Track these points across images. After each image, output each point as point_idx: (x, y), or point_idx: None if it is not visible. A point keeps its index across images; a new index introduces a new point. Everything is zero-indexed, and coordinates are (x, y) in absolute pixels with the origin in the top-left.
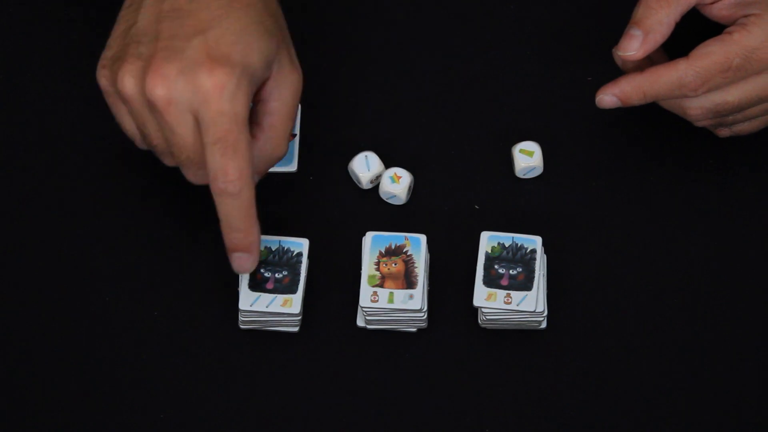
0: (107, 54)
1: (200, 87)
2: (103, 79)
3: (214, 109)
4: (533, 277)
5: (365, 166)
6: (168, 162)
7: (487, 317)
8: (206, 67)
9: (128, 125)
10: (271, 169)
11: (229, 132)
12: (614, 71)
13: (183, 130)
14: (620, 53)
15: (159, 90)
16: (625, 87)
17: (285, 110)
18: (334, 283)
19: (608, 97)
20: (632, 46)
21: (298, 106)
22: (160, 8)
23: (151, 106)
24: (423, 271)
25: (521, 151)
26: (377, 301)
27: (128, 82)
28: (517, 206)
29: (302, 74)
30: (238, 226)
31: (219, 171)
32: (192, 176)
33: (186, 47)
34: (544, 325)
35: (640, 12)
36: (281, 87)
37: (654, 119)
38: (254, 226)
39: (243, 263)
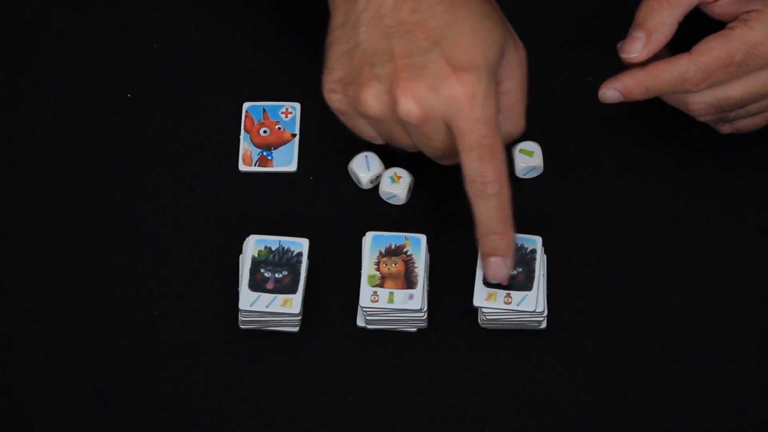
0: (334, 77)
1: (452, 99)
2: (337, 103)
3: (469, 118)
4: (533, 277)
5: (365, 166)
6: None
7: (487, 317)
8: (454, 78)
9: (369, 133)
10: (271, 169)
11: (485, 137)
12: (614, 71)
13: (437, 137)
14: (624, 56)
15: (414, 110)
16: (627, 82)
17: (518, 88)
18: (334, 283)
19: (610, 91)
20: (635, 48)
21: (527, 81)
22: (384, 24)
23: (404, 123)
24: (423, 271)
25: (521, 151)
26: (377, 301)
27: (374, 105)
28: (517, 206)
29: (524, 48)
30: (495, 228)
31: (477, 175)
32: (443, 163)
33: (426, 62)
34: (544, 325)
35: (642, 14)
36: (512, 66)
37: (654, 119)
38: (511, 229)
39: (498, 269)
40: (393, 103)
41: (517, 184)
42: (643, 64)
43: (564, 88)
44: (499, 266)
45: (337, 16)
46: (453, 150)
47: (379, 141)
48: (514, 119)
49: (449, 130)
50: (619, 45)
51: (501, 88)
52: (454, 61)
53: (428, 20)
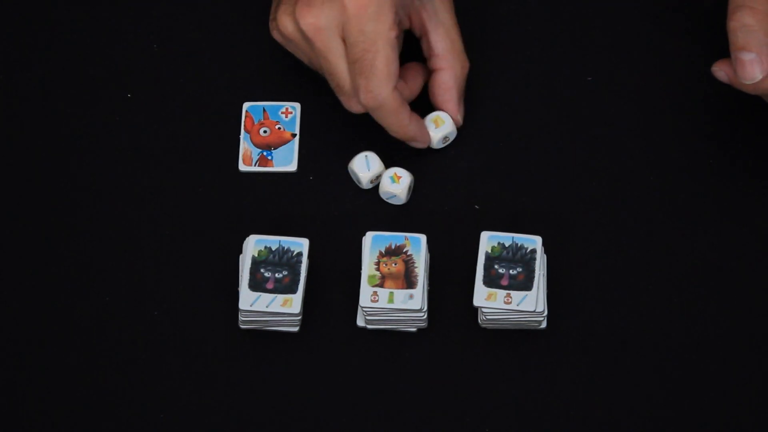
0: (271, 11)
1: (344, 8)
2: (274, 31)
3: (356, 29)
4: (533, 277)
5: (365, 166)
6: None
7: (487, 317)
8: None
9: (305, 60)
10: (271, 169)
11: (366, 51)
12: (613, 71)
13: (333, 56)
14: (747, 82)
15: (308, 18)
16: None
17: (449, 29)
18: (334, 283)
19: (721, 72)
20: (756, 71)
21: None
22: None
23: (305, 37)
24: (423, 271)
25: (433, 120)
26: (377, 301)
27: (286, 22)
28: (517, 206)
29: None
30: (395, 130)
31: (359, 88)
32: (347, 105)
33: None
34: (544, 325)
35: (740, 36)
36: (438, 11)
37: (654, 119)
38: (407, 124)
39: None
40: (294, 15)
41: (517, 184)
42: None
43: (564, 88)
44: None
45: None
46: (350, 81)
47: (316, 68)
48: (460, 57)
49: (345, 59)
50: (715, 69)
51: (434, 36)
52: None
53: None
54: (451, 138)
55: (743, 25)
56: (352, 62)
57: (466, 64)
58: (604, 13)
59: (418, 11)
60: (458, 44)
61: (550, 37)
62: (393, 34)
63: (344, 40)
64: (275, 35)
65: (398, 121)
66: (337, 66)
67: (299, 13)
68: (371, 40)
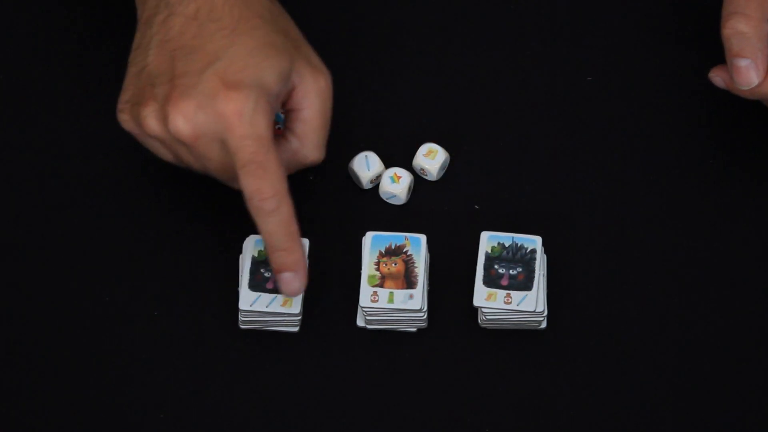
0: (124, 98)
1: (220, 115)
2: (125, 123)
3: (238, 135)
4: (533, 277)
5: (365, 166)
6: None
7: (487, 317)
8: (222, 95)
9: (165, 156)
10: None
11: (255, 153)
12: (614, 71)
13: (215, 157)
14: (744, 88)
15: (182, 127)
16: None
17: (316, 117)
18: (334, 283)
19: (718, 78)
20: (752, 77)
21: (330, 110)
22: (169, 47)
23: (181, 142)
24: (423, 271)
25: (426, 153)
26: (377, 301)
27: (152, 124)
28: (517, 206)
29: (330, 77)
30: (280, 244)
31: (254, 192)
32: (235, 187)
33: (199, 81)
34: (544, 325)
35: (734, 43)
36: (309, 95)
37: (654, 119)
38: (296, 243)
39: (290, 283)
40: (166, 121)
41: (517, 184)
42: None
43: (564, 88)
44: (292, 281)
45: (135, 39)
46: (234, 171)
47: (179, 164)
48: (310, 148)
49: (226, 150)
50: (712, 75)
51: (300, 115)
52: (226, 81)
53: (207, 44)
54: (447, 165)
55: (737, 32)
56: (242, 167)
57: (313, 158)
58: (604, 13)
59: (290, 95)
60: (318, 135)
61: (550, 37)
62: (271, 132)
63: (223, 144)
64: (131, 128)
65: (291, 231)
66: (221, 164)
67: (173, 121)
68: (257, 143)
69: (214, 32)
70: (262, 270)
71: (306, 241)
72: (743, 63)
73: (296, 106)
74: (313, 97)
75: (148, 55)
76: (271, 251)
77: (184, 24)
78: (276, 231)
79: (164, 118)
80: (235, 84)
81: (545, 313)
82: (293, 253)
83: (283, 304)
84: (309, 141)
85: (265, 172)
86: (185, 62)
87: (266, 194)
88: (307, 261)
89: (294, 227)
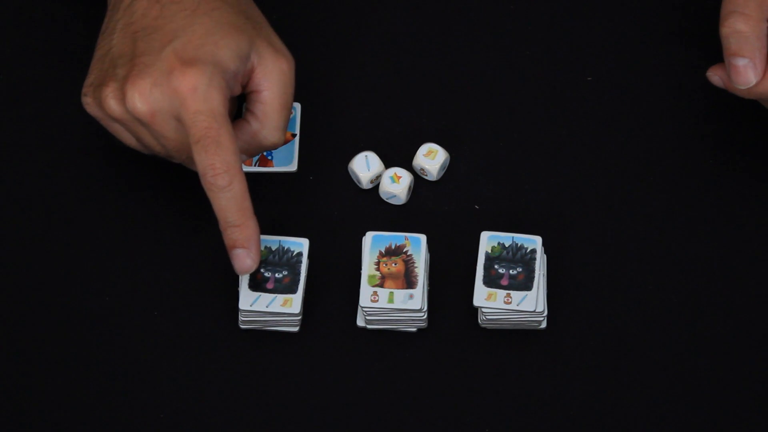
0: (88, 81)
1: (175, 91)
2: (88, 106)
3: (191, 110)
4: (533, 277)
5: (365, 166)
6: (175, 161)
7: (487, 317)
8: (177, 71)
9: (128, 140)
10: (271, 169)
11: (209, 129)
12: (614, 71)
13: (173, 135)
14: (741, 87)
15: (139, 105)
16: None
17: (275, 98)
18: (334, 283)
19: (716, 77)
20: (750, 76)
21: (291, 93)
22: (132, 29)
23: (138, 120)
24: (423, 271)
25: (426, 153)
26: (377, 301)
27: (112, 104)
28: (517, 206)
29: (292, 61)
30: (233, 220)
31: (207, 167)
32: (192, 167)
33: (157, 60)
34: (544, 325)
35: (732, 42)
36: (269, 76)
37: (654, 119)
38: (250, 220)
39: (242, 260)
40: (125, 100)
41: (517, 184)
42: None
43: (564, 88)
44: (243, 258)
45: (103, 25)
46: (191, 150)
47: (141, 149)
48: (269, 129)
49: (182, 128)
50: (710, 74)
51: (259, 96)
52: (182, 58)
53: (168, 24)
54: (447, 165)
55: (735, 31)
56: (196, 142)
57: (273, 140)
58: (604, 14)
59: (250, 75)
60: (278, 116)
61: (550, 37)
62: (226, 109)
63: (179, 120)
64: (93, 111)
65: (244, 207)
66: (179, 142)
67: (130, 99)
68: (210, 119)
69: (175, 13)
70: (262, 270)
71: (306, 241)
72: (741, 62)
73: (256, 88)
74: (274, 79)
75: (113, 38)
76: (224, 227)
77: (147, 6)
78: (228, 207)
79: (123, 98)
80: (190, 60)
81: (545, 313)
82: (246, 230)
83: (283, 304)
84: (268, 122)
85: (218, 147)
86: (146, 42)
87: (219, 170)
88: (308, 261)
89: (247, 203)
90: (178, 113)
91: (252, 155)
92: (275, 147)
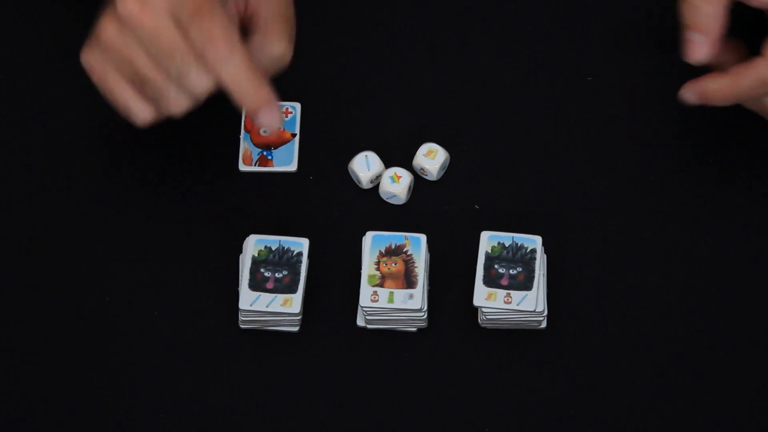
0: (89, 42)
1: None
2: (85, 60)
3: None
4: (533, 277)
5: (365, 166)
6: (169, 102)
7: (487, 317)
8: None
9: (120, 89)
10: (271, 169)
11: (202, 3)
12: (614, 71)
13: (165, 32)
14: (692, 61)
15: (130, 1)
16: (708, 86)
17: (273, 9)
18: (334, 283)
19: (689, 94)
20: (701, 52)
21: (290, 5)
22: None
23: (131, 22)
24: (423, 271)
25: (426, 152)
26: (377, 300)
27: (108, 26)
28: (517, 206)
29: None
30: (247, 87)
31: (206, 41)
32: (173, 105)
33: None
34: (544, 325)
35: (687, 15)
36: None
37: (654, 119)
38: (262, 82)
39: (268, 116)
40: (116, 9)
41: (517, 184)
42: (723, 70)
43: (564, 88)
44: (269, 114)
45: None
46: (189, 53)
47: (134, 103)
48: (274, 38)
49: (177, 25)
50: (683, 92)
51: (259, 13)
52: None
53: None
54: (447, 165)
55: (694, 6)
56: (190, 16)
57: (280, 46)
58: (604, 14)
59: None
60: (280, 20)
61: (550, 37)
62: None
63: (172, 13)
64: (88, 60)
65: (252, 73)
66: (172, 38)
67: (120, 1)
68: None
69: None
70: (262, 270)
71: (306, 241)
72: (696, 37)
73: (255, 8)
74: None
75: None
76: (241, 98)
77: None
78: (238, 75)
79: (115, 12)
80: None
81: (545, 313)
82: (261, 90)
83: (283, 304)
84: (271, 32)
85: (214, 15)
86: None
87: (219, 38)
88: (308, 261)
89: (254, 69)
90: (169, 2)
91: (269, 73)
92: (285, 59)
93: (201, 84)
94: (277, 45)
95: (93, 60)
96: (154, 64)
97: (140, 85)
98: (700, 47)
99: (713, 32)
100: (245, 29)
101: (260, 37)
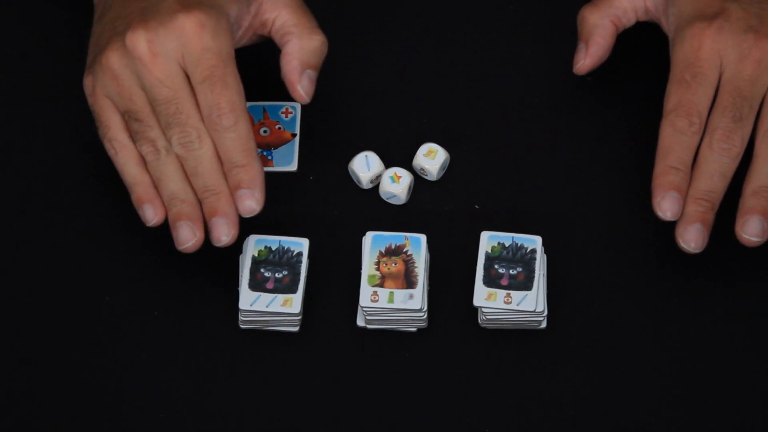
0: (88, 62)
1: (181, 30)
2: (87, 80)
3: (198, 47)
4: (533, 277)
5: (365, 166)
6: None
7: (487, 317)
8: (182, 12)
9: (120, 136)
10: (271, 169)
11: (215, 67)
12: (614, 71)
13: (173, 81)
14: (574, 69)
15: (142, 43)
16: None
17: (292, 11)
18: (334, 283)
19: (666, 214)
20: (578, 59)
21: (302, 4)
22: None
23: (139, 63)
24: (423, 271)
25: (426, 153)
26: (377, 300)
27: (113, 57)
28: (517, 206)
29: None
30: (238, 160)
31: (212, 106)
32: (178, 140)
33: (159, 7)
34: (544, 325)
35: (578, 27)
36: (277, 3)
37: (654, 119)
38: (255, 160)
39: (245, 200)
40: (125, 44)
41: (517, 184)
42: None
43: (564, 88)
44: (247, 198)
45: (94, 19)
46: (196, 111)
47: (132, 167)
48: (307, 34)
49: (186, 78)
50: (656, 205)
51: (277, 21)
52: (184, 3)
53: None
54: (447, 165)
55: (581, 16)
56: (201, 81)
57: (317, 38)
58: None
59: (257, 14)
60: (305, 19)
61: (550, 37)
62: (232, 50)
63: (182, 63)
64: (88, 84)
65: (248, 147)
66: (179, 89)
67: (131, 39)
68: (217, 57)
69: None
70: (262, 270)
71: (306, 241)
72: (579, 45)
73: (271, 21)
74: (280, 4)
75: (108, 11)
76: (228, 168)
77: None
78: (233, 147)
79: (123, 46)
80: (193, 4)
81: (545, 313)
82: (250, 170)
83: (283, 304)
84: (302, 29)
85: (224, 86)
86: (143, 1)
87: (224, 109)
88: (308, 261)
89: (251, 144)
90: (181, 54)
91: (316, 66)
92: (325, 46)
93: (191, 143)
94: (314, 38)
95: (90, 87)
96: (150, 108)
97: (128, 122)
98: (579, 54)
99: (596, 41)
100: (259, 36)
101: (295, 40)
